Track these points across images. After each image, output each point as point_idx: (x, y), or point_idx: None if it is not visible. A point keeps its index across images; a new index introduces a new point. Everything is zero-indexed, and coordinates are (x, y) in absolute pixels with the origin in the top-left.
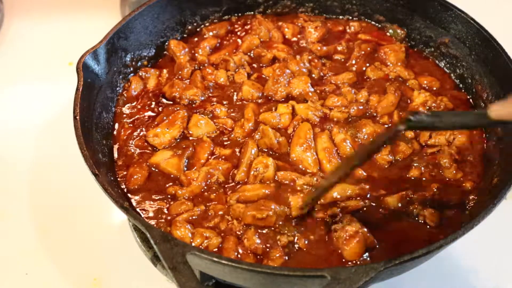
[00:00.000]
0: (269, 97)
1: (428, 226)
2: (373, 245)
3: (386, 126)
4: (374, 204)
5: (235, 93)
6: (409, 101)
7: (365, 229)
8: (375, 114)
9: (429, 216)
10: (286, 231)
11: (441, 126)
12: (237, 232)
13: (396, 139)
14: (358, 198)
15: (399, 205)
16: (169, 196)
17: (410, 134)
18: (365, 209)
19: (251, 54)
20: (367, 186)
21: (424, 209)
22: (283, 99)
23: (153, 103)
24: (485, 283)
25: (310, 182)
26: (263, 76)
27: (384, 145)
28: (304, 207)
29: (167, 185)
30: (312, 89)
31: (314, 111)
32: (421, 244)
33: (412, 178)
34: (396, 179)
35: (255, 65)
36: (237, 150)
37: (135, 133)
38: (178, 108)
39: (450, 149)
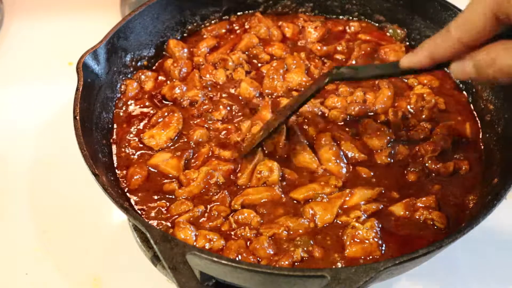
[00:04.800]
0: (269, 95)
1: (435, 227)
2: (375, 256)
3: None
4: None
5: (233, 91)
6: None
7: (376, 240)
8: (375, 110)
9: (438, 219)
10: (301, 244)
11: (360, 77)
12: (248, 236)
13: (321, 90)
14: (376, 200)
15: (407, 213)
16: (168, 196)
17: (402, 136)
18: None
19: (249, 54)
20: (382, 189)
21: (430, 213)
22: (286, 95)
23: (153, 104)
24: (485, 283)
25: (330, 191)
26: (263, 71)
27: (312, 97)
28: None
29: (164, 181)
30: (309, 78)
31: (310, 106)
32: (426, 245)
33: (414, 182)
34: (402, 183)
35: (255, 61)
36: (236, 152)
37: (135, 134)
38: (170, 109)
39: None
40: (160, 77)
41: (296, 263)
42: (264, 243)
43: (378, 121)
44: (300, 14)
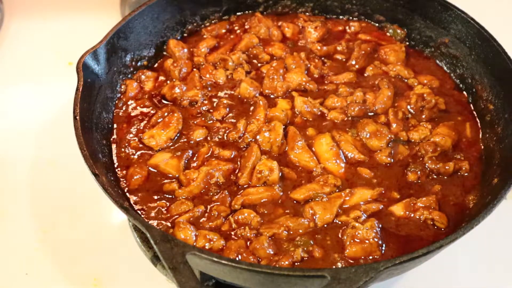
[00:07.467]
0: (270, 95)
1: (435, 227)
2: (375, 256)
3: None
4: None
5: (233, 91)
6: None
7: (377, 240)
8: (375, 110)
9: (438, 219)
10: (302, 244)
11: None
12: (248, 236)
13: None
14: (376, 200)
15: (407, 213)
16: (168, 196)
17: (402, 136)
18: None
19: (249, 54)
20: (382, 190)
21: (430, 213)
22: (285, 95)
23: (153, 104)
24: (485, 283)
25: (330, 191)
26: (263, 71)
27: None
28: None
29: (164, 181)
30: (309, 78)
31: (310, 106)
32: (426, 245)
33: (414, 182)
34: (403, 183)
35: (255, 61)
36: (235, 151)
37: (135, 134)
38: (170, 109)
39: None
40: (160, 77)
41: (296, 263)
42: (264, 243)
43: (378, 121)
44: (300, 14)
